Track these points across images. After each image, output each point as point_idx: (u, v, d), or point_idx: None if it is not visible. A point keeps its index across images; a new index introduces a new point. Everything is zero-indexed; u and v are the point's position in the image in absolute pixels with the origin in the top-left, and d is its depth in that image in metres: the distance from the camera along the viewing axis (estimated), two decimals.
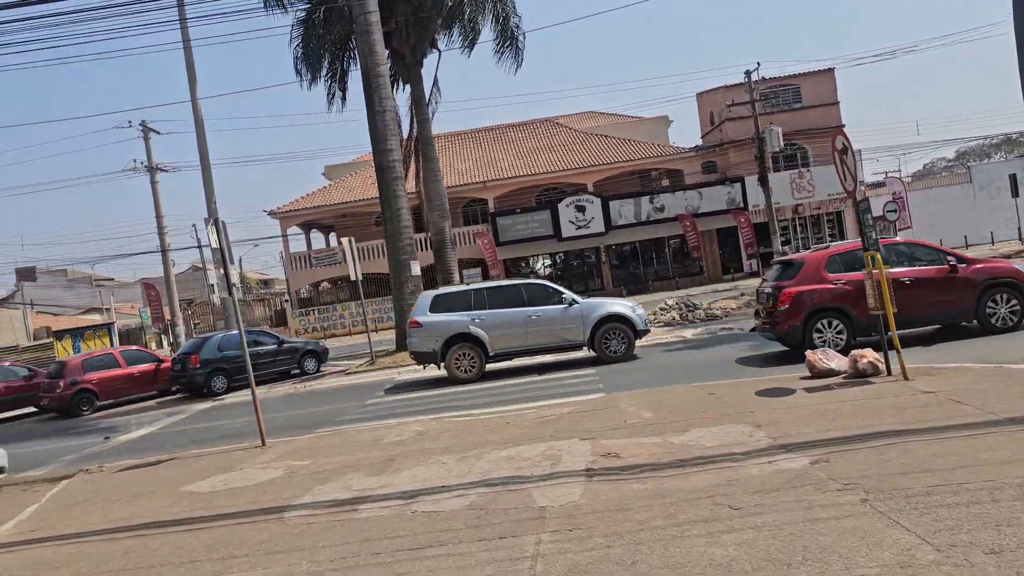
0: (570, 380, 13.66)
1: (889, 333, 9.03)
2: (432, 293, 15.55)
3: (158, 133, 36.30)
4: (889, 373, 9.09)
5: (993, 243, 37.40)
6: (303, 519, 6.57)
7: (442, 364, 14.92)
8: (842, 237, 39.89)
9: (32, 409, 21.70)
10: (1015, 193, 33.15)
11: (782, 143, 35.16)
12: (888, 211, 32.83)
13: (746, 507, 5.21)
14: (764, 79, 37.82)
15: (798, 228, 40.09)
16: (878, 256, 8.94)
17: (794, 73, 40.28)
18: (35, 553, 6.77)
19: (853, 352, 9.50)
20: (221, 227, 10.57)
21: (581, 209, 39.04)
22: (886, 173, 49.07)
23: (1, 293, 54.27)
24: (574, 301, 14.85)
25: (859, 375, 9.23)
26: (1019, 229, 34.49)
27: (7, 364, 23.86)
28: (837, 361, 9.77)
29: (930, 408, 7.33)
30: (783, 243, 37.59)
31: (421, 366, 16.25)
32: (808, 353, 10.06)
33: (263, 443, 10.68)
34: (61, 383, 19.90)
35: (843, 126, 40.01)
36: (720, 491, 5.64)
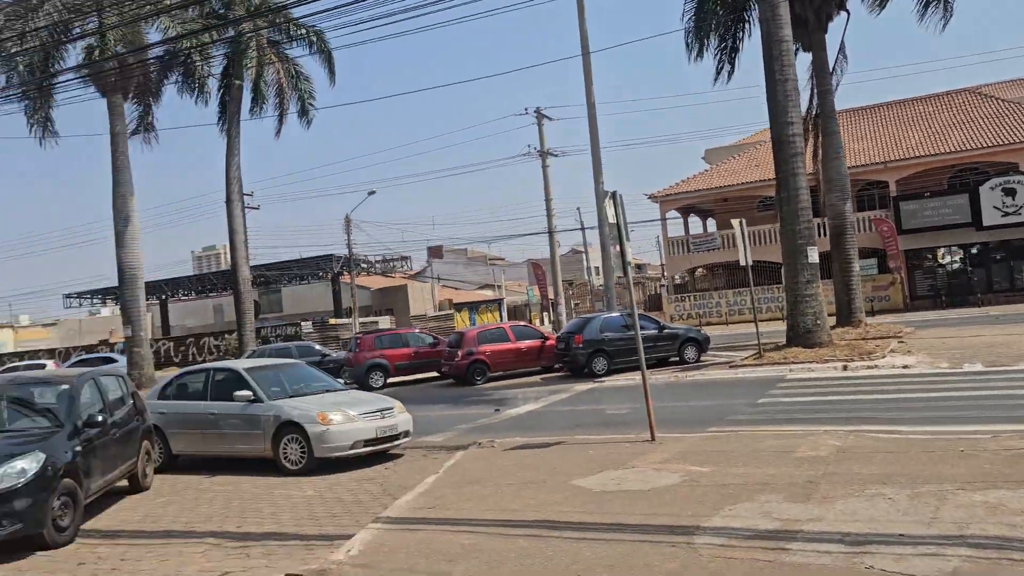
0: None
1: None
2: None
3: (551, 119, 38.05)
4: None
5: None
6: (719, 551, 5.36)
7: None
8: None
9: (434, 374, 23.60)
10: None
11: None
12: None
13: None
14: None
15: None
16: None
17: None
18: (431, 537, 6.48)
19: None
20: (619, 201, 9.79)
21: (1010, 193, 32.56)
22: None
23: (416, 267, 61.70)
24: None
25: None
26: None
27: (416, 331, 26.36)
28: None
29: None
30: None
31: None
32: None
33: (652, 437, 9.76)
34: (459, 353, 21.24)
35: None
36: None
